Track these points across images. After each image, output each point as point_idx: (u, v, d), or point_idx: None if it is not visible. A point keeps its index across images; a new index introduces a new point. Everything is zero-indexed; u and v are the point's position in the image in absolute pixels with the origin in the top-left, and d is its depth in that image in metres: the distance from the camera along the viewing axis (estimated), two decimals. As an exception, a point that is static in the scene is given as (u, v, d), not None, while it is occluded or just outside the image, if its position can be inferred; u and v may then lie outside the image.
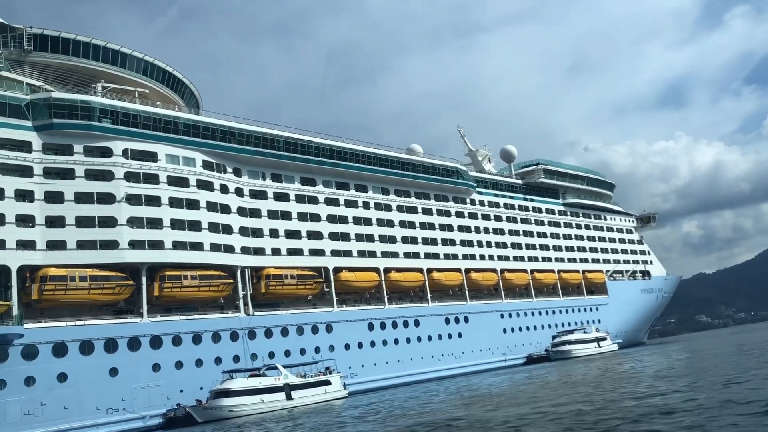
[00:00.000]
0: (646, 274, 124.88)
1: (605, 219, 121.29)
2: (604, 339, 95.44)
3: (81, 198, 54.90)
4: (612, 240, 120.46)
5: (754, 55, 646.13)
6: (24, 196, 52.29)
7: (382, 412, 39.77)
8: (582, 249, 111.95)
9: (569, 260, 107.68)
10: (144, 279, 56.50)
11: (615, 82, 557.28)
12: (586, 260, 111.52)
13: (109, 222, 55.52)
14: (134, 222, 56.93)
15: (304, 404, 55.63)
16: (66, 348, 50.70)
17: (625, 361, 67.74)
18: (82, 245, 53.76)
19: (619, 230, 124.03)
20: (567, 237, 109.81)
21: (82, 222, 54.36)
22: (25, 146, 53.36)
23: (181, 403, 53.70)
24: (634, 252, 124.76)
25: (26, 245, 51.29)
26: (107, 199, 56.07)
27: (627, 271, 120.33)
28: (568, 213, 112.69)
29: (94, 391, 51.07)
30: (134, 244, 56.23)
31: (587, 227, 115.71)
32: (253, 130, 68.59)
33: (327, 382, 59.71)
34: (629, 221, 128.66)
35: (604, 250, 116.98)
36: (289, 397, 55.76)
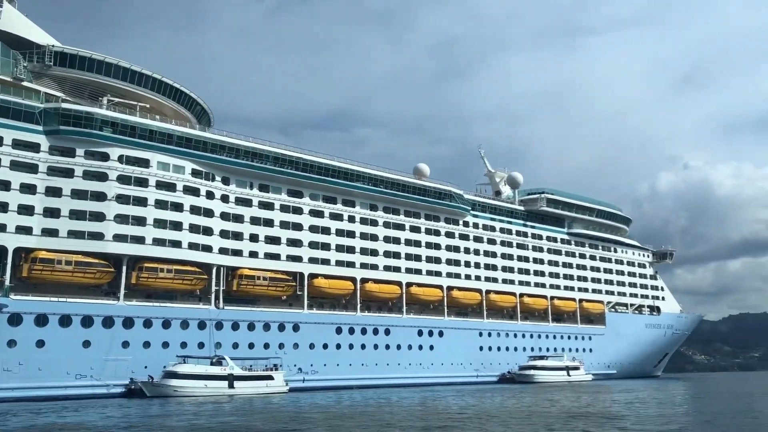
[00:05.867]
0: (655, 309, 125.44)
1: (615, 251, 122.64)
2: (576, 368, 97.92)
3: (77, 194, 64.45)
4: (620, 272, 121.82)
5: None
6: (28, 188, 62.26)
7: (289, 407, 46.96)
8: (582, 278, 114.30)
9: (565, 288, 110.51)
10: (124, 268, 65.74)
11: (728, 99, 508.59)
12: (585, 290, 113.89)
13: (98, 217, 64.86)
14: (121, 218, 66.18)
15: (244, 394, 63.29)
16: (47, 319, 60.37)
17: (579, 394, 64.99)
18: (73, 234, 63.48)
19: (630, 264, 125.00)
20: (567, 265, 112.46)
21: (76, 215, 63.95)
22: (34, 147, 63.38)
23: (135, 378, 62.52)
24: (644, 287, 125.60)
25: (24, 230, 61.37)
26: (100, 197, 65.35)
27: (632, 305, 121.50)
28: (573, 242, 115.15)
29: (68, 358, 60.48)
30: (118, 238, 65.50)
31: (592, 258, 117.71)
32: (242, 144, 76.65)
33: (269, 377, 67.26)
34: (645, 256, 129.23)
35: (609, 282, 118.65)
36: (231, 386, 63.66)
